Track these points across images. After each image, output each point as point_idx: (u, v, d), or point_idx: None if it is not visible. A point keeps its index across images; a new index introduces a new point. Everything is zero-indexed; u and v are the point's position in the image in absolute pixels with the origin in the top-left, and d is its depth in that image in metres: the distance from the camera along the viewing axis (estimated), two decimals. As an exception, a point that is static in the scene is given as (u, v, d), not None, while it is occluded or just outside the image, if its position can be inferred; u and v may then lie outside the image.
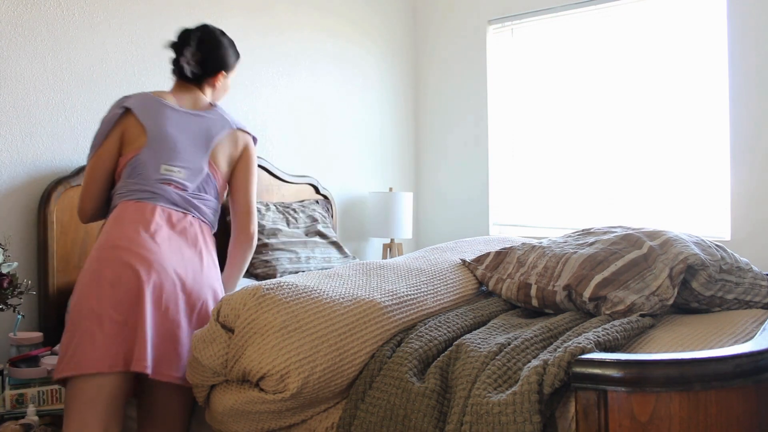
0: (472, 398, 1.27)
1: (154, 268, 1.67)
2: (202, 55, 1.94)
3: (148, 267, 1.66)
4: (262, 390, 1.45)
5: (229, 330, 1.52)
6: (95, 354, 1.58)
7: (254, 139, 2.02)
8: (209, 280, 1.81)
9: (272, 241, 2.71)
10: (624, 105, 3.47)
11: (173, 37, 2.00)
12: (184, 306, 1.72)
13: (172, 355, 1.66)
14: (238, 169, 1.96)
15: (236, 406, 1.48)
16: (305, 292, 1.55)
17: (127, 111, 1.85)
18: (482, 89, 3.93)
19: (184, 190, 1.83)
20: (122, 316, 1.62)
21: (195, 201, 1.85)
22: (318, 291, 1.57)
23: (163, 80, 2.79)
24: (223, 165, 1.93)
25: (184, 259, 1.75)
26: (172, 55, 1.97)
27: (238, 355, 1.47)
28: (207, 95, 1.99)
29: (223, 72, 2.00)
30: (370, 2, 3.88)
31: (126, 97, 1.89)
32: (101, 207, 1.89)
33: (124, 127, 1.85)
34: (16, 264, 2.00)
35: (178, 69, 1.95)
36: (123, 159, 1.84)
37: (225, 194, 2.00)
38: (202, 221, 1.87)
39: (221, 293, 1.85)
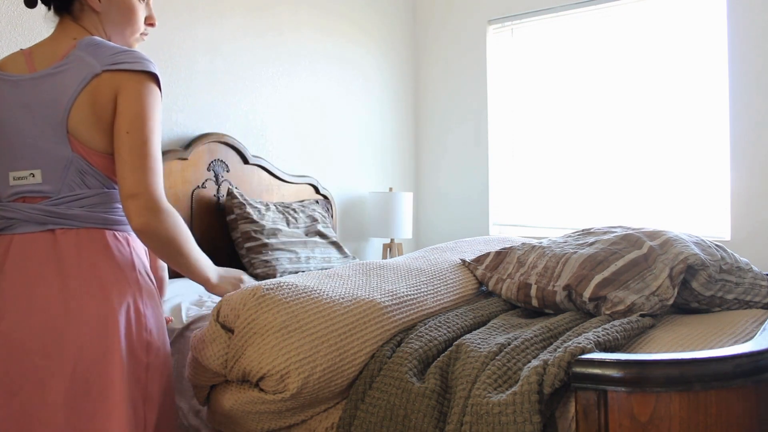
0: (472, 398, 1.27)
1: None
2: None
3: None
4: (262, 390, 1.45)
5: (229, 330, 1.52)
6: None
7: (151, 76, 1.32)
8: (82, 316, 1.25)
9: (272, 241, 2.71)
10: (624, 105, 3.47)
11: None
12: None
13: None
14: (116, 121, 1.29)
15: (236, 407, 1.48)
16: (305, 292, 1.55)
17: None
18: (482, 89, 3.93)
19: (46, 198, 1.30)
20: None
21: (60, 208, 1.30)
22: (318, 291, 1.57)
23: (164, 80, 2.79)
24: (94, 134, 1.29)
25: (35, 304, 1.25)
26: None
27: (238, 355, 1.47)
28: (92, 31, 1.39)
29: None
30: (370, 2, 3.88)
31: None
32: None
33: None
34: None
35: None
36: None
37: None
38: (90, 228, 1.31)
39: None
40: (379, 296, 1.62)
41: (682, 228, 3.24)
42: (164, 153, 2.71)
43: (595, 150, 3.58)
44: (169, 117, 2.80)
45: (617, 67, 3.48)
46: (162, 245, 1.31)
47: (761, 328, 1.48)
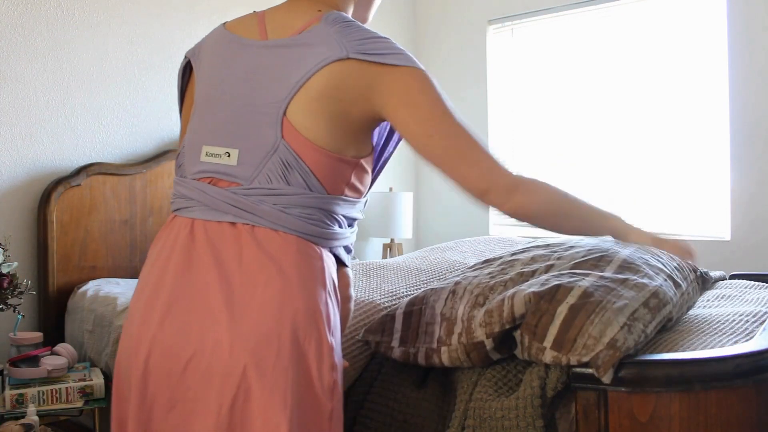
0: (474, 402, 1.27)
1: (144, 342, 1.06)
2: None
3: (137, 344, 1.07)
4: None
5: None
6: None
7: (418, 71, 1.11)
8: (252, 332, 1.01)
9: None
10: (624, 105, 3.47)
11: None
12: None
13: None
14: (392, 111, 1.11)
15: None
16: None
17: (189, 64, 1.24)
18: (482, 89, 3.93)
19: (236, 184, 1.10)
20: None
21: (250, 200, 1.08)
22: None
23: (164, 80, 2.79)
24: (319, 123, 1.08)
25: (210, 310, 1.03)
26: None
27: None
28: (339, 5, 1.20)
29: None
30: (370, 2, 3.88)
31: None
32: None
33: (191, 88, 1.25)
34: (16, 264, 2.00)
35: None
36: None
37: (351, 176, 1.14)
38: (279, 231, 1.08)
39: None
40: (379, 297, 1.62)
41: (682, 228, 3.25)
42: (165, 153, 2.71)
43: (595, 150, 3.58)
44: (169, 116, 2.80)
45: (617, 67, 3.48)
46: (542, 219, 1.17)
47: (761, 328, 1.48)
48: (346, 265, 1.21)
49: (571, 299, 1.21)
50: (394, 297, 1.65)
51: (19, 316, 2.05)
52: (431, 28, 4.15)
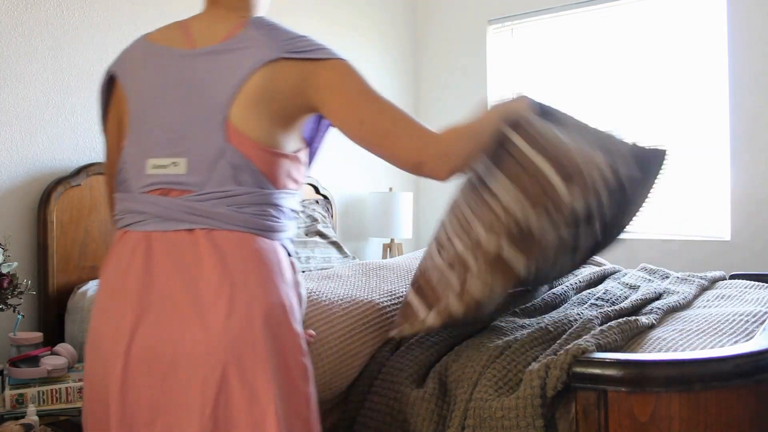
0: (474, 401, 1.27)
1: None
2: None
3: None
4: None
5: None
6: None
7: (339, 60, 1.17)
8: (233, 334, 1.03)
9: (272, 241, 2.71)
10: (624, 105, 3.47)
11: None
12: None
13: None
14: (325, 101, 1.16)
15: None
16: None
17: (113, 78, 1.23)
18: (482, 89, 3.93)
19: (188, 191, 1.12)
20: None
21: (205, 205, 1.11)
22: (316, 293, 1.57)
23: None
24: (261, 124, 1.12)
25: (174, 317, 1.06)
26: None
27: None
28: (251, 7, 1.25)
29: None
30: (370, 3, 3.88)
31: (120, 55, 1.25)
32: None
33: (117, 103, 1.23)
34: (16, 264, 2.00)
35: None
36: (121, 149, 1.22)
37: (295, 170, 1.20)
38: (236, 231, 1.11)
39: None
40: (378, 297, 1.62)
41: (682, 228, 3.25)
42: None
43: (595, 150, 3.58)
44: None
45: (617, 67, 3.48)
46: (470, 164, 1.24)
47: (761, 328, 1.48)
48: (290, 255, 1.24)
49: None
50: (394, 297, 1.64)
51: (19, 316, 2.05)
52: (431, 28, 4.15)
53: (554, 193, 1.24)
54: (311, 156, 1.31)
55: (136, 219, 1.12)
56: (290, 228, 1.21)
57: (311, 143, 1.30)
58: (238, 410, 1.01)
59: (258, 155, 1.12)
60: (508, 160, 1.29)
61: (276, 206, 1.16)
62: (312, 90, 1.14)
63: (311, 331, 1.34)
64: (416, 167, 1.17)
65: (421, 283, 1.36)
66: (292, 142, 1.19)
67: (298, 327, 1.13)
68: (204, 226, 1.09)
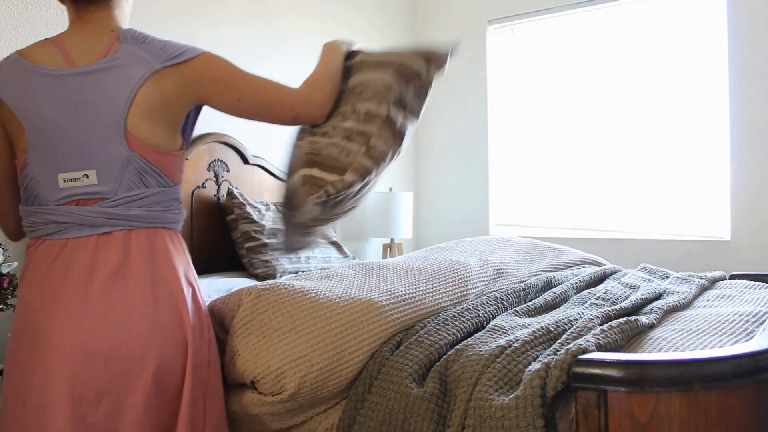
0: (474, 401, 1.27)
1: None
2: None
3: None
4: (260, 393, 1.45)
5: (225, 331, 1.52)
6: None
7: (205, 53, 1.33)
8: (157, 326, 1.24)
9: (272, 241, 2.71)
10: (624, 105, 3.47)
11: None
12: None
13: None
14: (206, 95, 1.33)
15: (236, 409, 1.48)
16: (301, 293, 1.55)
17: None
18: (482, 89, 3.93)
19: (103, 199, 1.25)
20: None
21: (120, 209, 1.26)
22: (315, 291, 1.57)
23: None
24: (157, 131, 1.28)
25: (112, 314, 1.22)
26: None
27: (233, 357, 1.46)
28: (116, 20, 1.35)
29: None
30: (370, 3, 3.88)
31: None
32: (16, 223, 1.38)
33: (2, 117, 1.28)
34: (16, 264, 2.00)
35: None
36: (18, 164, 1.30)
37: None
38: (149, 228, 1.30)
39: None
40: (377, 295, 1.62)
41: (682, 228, 3.25)
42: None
43: (595, 149, 3.58)
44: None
45: (617, 66, 3.49)
46: (334, 99, 1.42)
47: (761, 328, 1.48)
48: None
49: None
50: (392, 296, 1.64)
51: (19, 316, 2.05)
52: (431, 28, 4.15)
53: (415, 71, 1.42)
54: (186, 145, 1.44)
55: (57, 229, 1.25)
56: (184, 215, 1.40)
57: (183, 133, 1.41)
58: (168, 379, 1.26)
59: (158, 158, 1.28)
60: (366, 69, 1.46)
61: (177, 200, 1.35)
62: (193, 87, 1.30)
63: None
64: (294, 120, 1.41)
65: (320, 160, 1.42)
66: (178, 140, 1.35)
67: (203, 305, 1.37)
68: (122, 227, 1.25)
